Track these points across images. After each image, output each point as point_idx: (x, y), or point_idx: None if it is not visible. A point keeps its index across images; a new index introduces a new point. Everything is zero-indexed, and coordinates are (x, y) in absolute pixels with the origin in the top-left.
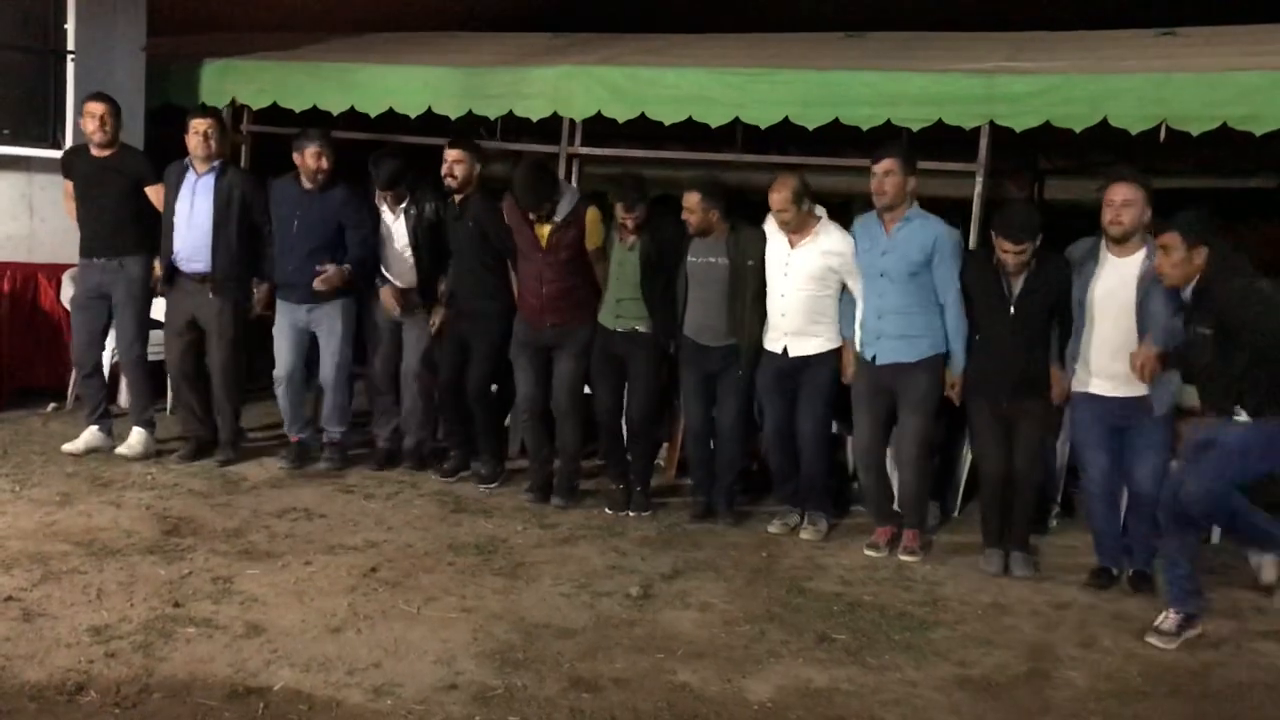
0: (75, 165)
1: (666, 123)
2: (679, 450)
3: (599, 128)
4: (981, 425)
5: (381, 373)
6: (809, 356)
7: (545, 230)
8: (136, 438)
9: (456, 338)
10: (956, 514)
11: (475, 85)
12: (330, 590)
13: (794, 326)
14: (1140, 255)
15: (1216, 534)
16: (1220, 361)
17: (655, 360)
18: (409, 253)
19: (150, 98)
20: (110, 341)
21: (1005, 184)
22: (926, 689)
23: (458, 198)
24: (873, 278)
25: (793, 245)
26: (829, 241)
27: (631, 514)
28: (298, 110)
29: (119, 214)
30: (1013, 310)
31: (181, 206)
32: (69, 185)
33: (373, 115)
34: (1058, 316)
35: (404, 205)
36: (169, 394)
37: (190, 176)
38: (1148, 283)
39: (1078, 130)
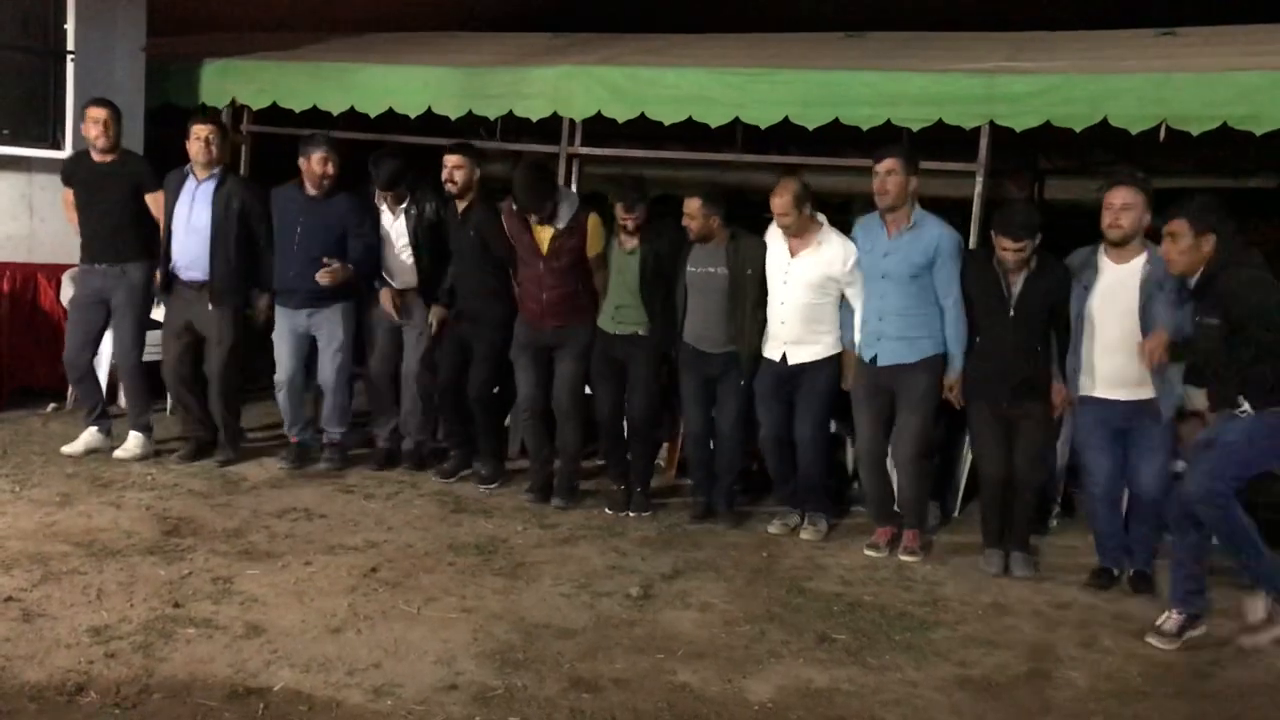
0: (76, 173)
1: (666, 123)
2: (679, 451)
3: (599, 128)
4: (981, 426)
5: (381, 373)
6: (807, 364)
7: (545, 237)
8: (134, 441)
9: (457, 339)
10: (956, 514)
11: (475, 85)
12: (330, 590)
13: (793, 335)
14: (1140, 260)
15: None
16: (1226, 352)
17: (655, 362)
18: (408, 253)
19: (150, 98)
20: (106, 345)
21: (1005, 184)
22: (927, 689)
23: (460, 204)
24: (874, 279)
25: (793, 253)
26: (830, 249)
27: (632, 514)
28: (297, 110)
29: (120, 219)
30: (1013, 312)
31: (180, 213)
32: (68, 194)
33: (373, 115)
34: (1057, 319)
35: (404, 205)
36: (169, 395)
37: (190, 183)
38: (1150, 286)
39: (1078, 130)
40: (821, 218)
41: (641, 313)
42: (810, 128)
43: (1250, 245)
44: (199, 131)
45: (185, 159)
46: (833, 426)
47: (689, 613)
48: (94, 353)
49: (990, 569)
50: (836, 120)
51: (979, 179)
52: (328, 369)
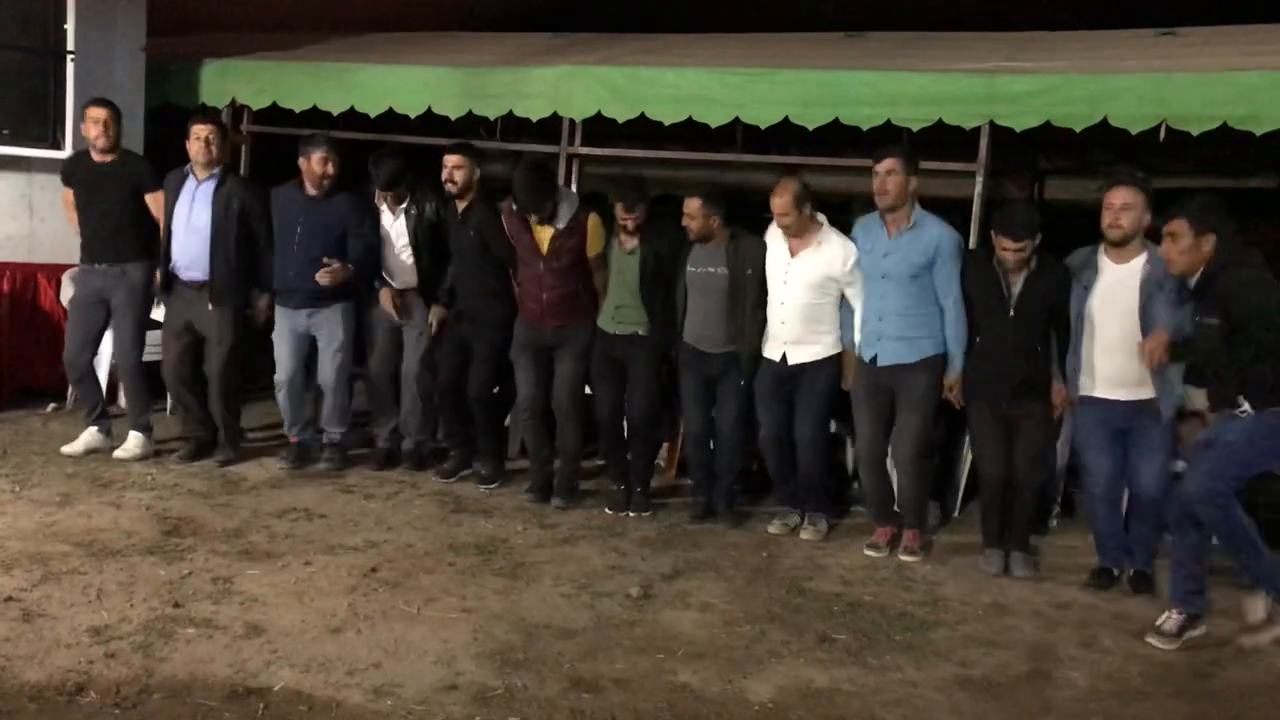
0: (76, 173)
1: (666, 123)
2: (679, 451)
3: (599, 128)
4: (982, 426)
5: (381, 373)
6: (807, 364)
7: (546, 237)
8: (134, 441)
9: (457, 339)
10: (956, 514)
11: (475, 85)
12: (330, 590)
13: (793, 335)
14: (1140, 260)
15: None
16: (1226, 352)
17: (655, 362)
18: (408, 253)
19: (150, 98)
20: (106, 345)
21: (1005, 184)
22: (927, 689)
23: (460, 205)
24: (874, 279)
25: (793, 253)
26: (830, 249)
27: (632, 514)
28: (297, 110)
29: (120, 219)
30: (1013, 312)
31: (180, 213)
32: (69, 194)
33: (373, 115)
34: (1057, 319)
35: (404, 205)
36: (169, 395)
37: (190, 184)
38: (1150, 286)
39: (1078, 130)
40: (821, 218)
41: (641, 313)
42: (810, 128)
43: (1250, 245)
44: (199, 131)
45: (185, 159)
46: (833, 426)
47: (689, 613)
48: (94, 353)
49: (990, 569)
50: (836, 120)
51: (979, 179)
52: (328, 369)
